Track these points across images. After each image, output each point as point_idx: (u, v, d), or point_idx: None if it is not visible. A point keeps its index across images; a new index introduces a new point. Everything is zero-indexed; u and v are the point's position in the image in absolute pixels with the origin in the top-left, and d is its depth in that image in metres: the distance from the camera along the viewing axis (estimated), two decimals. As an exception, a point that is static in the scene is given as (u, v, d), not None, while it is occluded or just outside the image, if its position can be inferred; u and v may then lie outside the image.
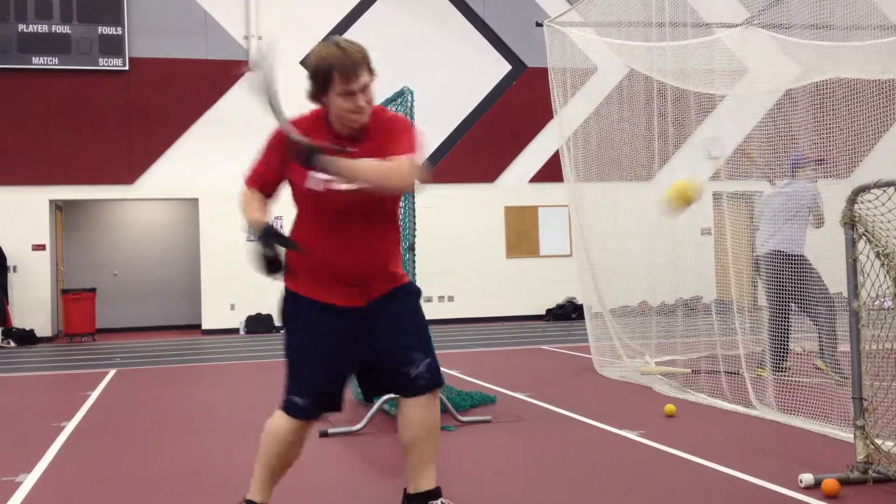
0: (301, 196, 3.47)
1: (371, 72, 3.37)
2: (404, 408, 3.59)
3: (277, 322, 3.45)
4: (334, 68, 3.27)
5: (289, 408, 3.52)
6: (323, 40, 3.43)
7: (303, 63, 3.42)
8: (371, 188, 3.29)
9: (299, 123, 3.43)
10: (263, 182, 3.51)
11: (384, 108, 3.57)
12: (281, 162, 3.45)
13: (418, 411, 3.57)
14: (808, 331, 7.64)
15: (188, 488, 4.76)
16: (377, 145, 3.37)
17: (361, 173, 3.27)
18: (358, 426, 6.05)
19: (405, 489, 3.70)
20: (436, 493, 3.63)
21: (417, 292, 3.69)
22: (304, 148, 3.26)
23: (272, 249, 3.29)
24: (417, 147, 3.39)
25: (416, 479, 3.62)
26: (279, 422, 3.53)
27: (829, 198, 7.50)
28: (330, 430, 5.96)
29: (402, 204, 6.63)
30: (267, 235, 3.31)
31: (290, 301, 3.53)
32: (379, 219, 3.48)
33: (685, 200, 5.25)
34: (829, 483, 4.07)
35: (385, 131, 3.43)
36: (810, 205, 7.68)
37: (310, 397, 3.51)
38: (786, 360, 7.33)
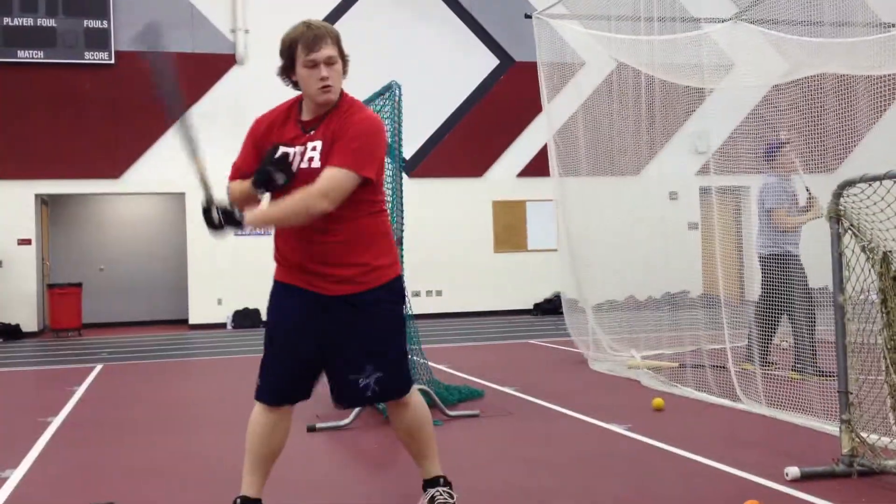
0: None
1: (339, 48, 3.50)
2: (388, 411, 3.80)
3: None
4: (298, 40, 3.45)
5: (256, 392, 3.64)
6: None
7: None
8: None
9: (273, 112, 3.64)
10: (242, 174, 3.63)
11: (360, 105, 3.60)
12: (256, 150, 3.61)
13: (392, 416, 3.78)
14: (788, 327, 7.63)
15: (174, 483, 4.75)
16: (330, 133, 3.47)
17: (276, 220, 3.49)
18: (346, 421, 6.04)
19: None
20: (431, 482, 3.79)
21: (393, 294, 3.65)
22: (212, 216, 3.46)
23: (206, 205, 3.47)
24: (354, 154, 3.41)
25: (420, 469, 3.84)
26: (254, 409, 3.64)
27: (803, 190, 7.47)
28: (318, 425, 5.95)
29: (389, 198, 6.61)
30: (207, 201, 3.49)
31: (272, 289, 3.68)
32: (332, 213, 3.43)
33: None
34: None
35: (342, 126, 3.47)
36: (762, 200, 7.59)
37: (269, 380, 3.61)
38: (768, 355, 7.31)
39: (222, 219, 3.45)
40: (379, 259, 3.58)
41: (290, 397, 3.63)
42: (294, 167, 3.48)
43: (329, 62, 3.44)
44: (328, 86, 3.45)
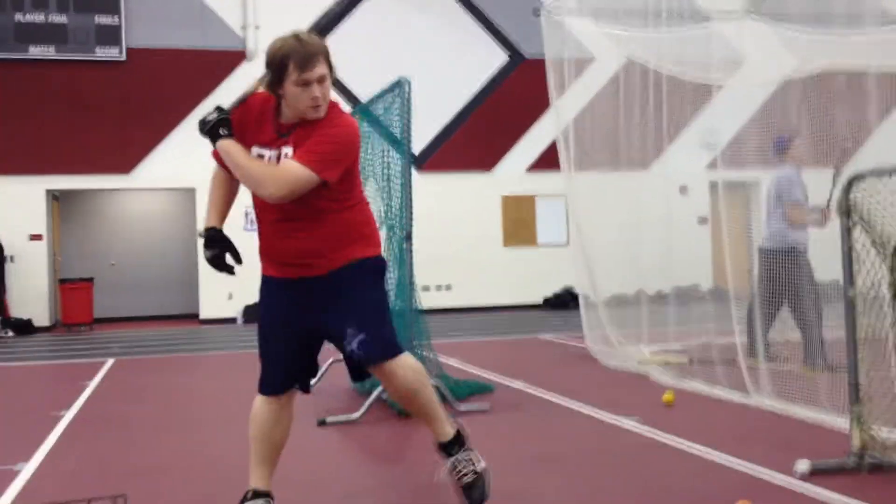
0: None
1: (330, 65, 3.44)
2: None
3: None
4: (290, 57, 3.35)
5: (258, 384, 3.71)
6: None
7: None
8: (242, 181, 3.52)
9: (249, 103, 3.55)
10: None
11: (339, 111, 3.58)
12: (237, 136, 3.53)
13: (385, 386, 3.78)
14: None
15: (187, 477, 4.78)
16: (303, 135, 3.46)
17: (233, 163, 3.46)
18: (356, 415, 6.07)
19: None
20: (447, 446, 3.80)
21: (370, 267, 3.68)
22: (209, 116, 3.47)
23: (211, 251, 3.61)
24: (320, 156, 3.40)
25: (431, 433, 3.84)
26: (255, 401, 3.71)
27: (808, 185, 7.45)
28: (328, 419, 5.98)
29: (399, 193, 6.63)
30: (209, 239, 3.61)
31: (261, 284, 3.75)
32: (303, 212, 3.50)
33: None
34: None
35: (315, 126, 3.46)
36: (779, 192, 7.56)
37: (266, 370, 3.68)
38: (768, 349, 7.26)
39: (212, 123, 3.46)
40: (354, 244, 3.63)
41: (287, 385, 3.69)
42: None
43: (321, 80, 3.39)
44: (319, 105, 3.42)
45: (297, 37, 3.41)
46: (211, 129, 3.47)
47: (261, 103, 3.55)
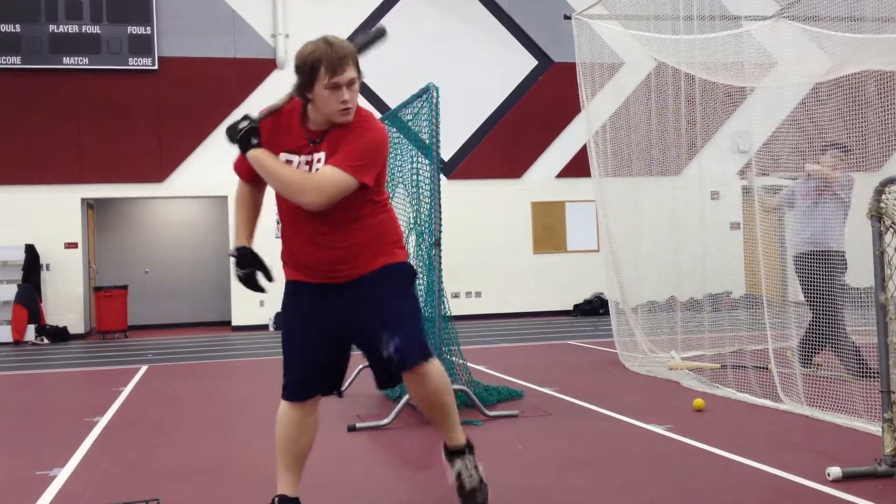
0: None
1: (358, 70, 3.46)
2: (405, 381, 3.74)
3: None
4: (321, 61, 3.36)
5: (282, 390, 3.71)
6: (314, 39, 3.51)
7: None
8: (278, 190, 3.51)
9: (277, 115, 3.58)
10: (244, 166, 3.66)
11: (368, 115, 3.59)
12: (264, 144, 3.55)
13: (410, 387, 3.71)
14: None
15: (219, 482, 4.82)
16: (335, 143, 3.48)
17: (268, 172, 3.48)
18: (385, 421, 6.09)
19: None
20: (456, 451, 3.84)
21: (401, 272, 3.70)
22: (239, 125, 3.50)
23: (242, 271, 3.62)
24: (357, 160, 3.43)
25: (443, 436, 3.88)
26: (280, 407, 3.71)
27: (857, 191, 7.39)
28: (358, 425, 6.00)
29: (428, 200, 6.65)
30: (240, 258, 3.62)
31: (285, 289, 3.76)
32: (335, 219, 3.52)
33: None
34: None
35: (346, 131, 3.49)
36: (844, 197, 7.48)
37: (291, 376, 3.68)
38: (816, 355, 7.23)
39: (243, 131, 3.51)
40: (383, 251, 3.65)
41: (313, 391, 3.70)
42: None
43: (350, 84, 3.41)
44: (348, 108, 3.44)
45: (326, 41, 3.41)
46: (242, 138, 3.49)
47: (288, 110, 3.57)
